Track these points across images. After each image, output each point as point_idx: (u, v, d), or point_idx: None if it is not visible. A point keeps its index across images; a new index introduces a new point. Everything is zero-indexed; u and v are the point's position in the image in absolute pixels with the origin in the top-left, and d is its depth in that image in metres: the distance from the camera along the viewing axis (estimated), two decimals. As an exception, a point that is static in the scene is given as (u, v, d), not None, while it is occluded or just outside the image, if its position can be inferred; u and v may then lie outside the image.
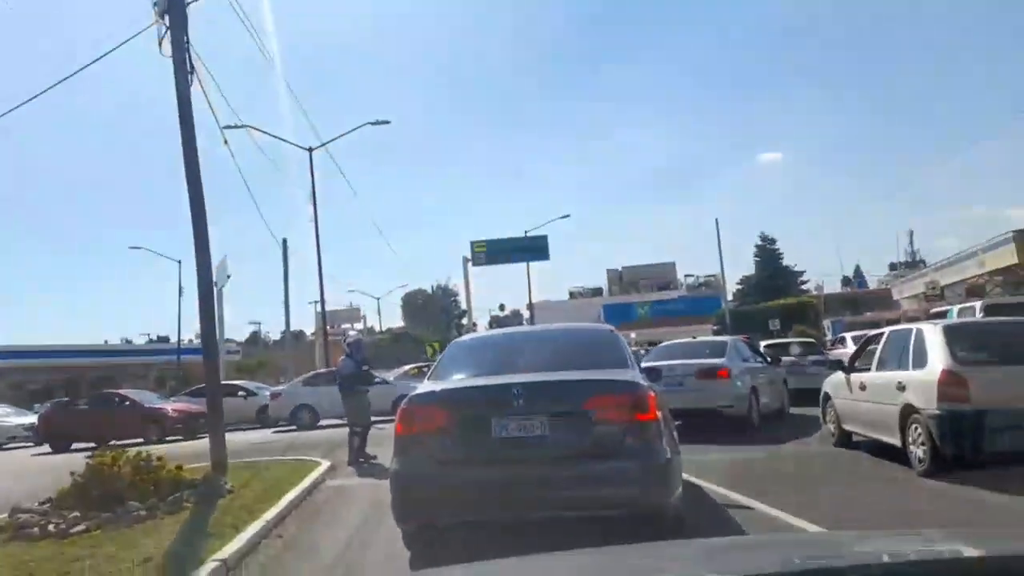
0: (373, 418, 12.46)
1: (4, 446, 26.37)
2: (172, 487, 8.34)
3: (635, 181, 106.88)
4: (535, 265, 44.73)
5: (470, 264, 42.84)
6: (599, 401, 5.49)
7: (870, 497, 7.51)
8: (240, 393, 25.30)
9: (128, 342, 67.66)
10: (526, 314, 50.72)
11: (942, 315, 22.13)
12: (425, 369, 17.24)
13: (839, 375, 10.40)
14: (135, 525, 7.17)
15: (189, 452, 12.72)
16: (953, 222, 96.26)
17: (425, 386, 6.24)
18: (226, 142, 12.61)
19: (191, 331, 56.37)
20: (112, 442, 18.74)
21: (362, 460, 11.63)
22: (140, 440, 19.80)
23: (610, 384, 5.72)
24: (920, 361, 8.14)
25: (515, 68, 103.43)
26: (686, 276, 72.47)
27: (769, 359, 15.25)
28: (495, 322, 69.45)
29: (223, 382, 23.90)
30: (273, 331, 77.02)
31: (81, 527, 7.07)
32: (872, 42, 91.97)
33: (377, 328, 77.39)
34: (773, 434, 11.91)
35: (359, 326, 67.22)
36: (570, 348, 6.93)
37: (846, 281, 75.26)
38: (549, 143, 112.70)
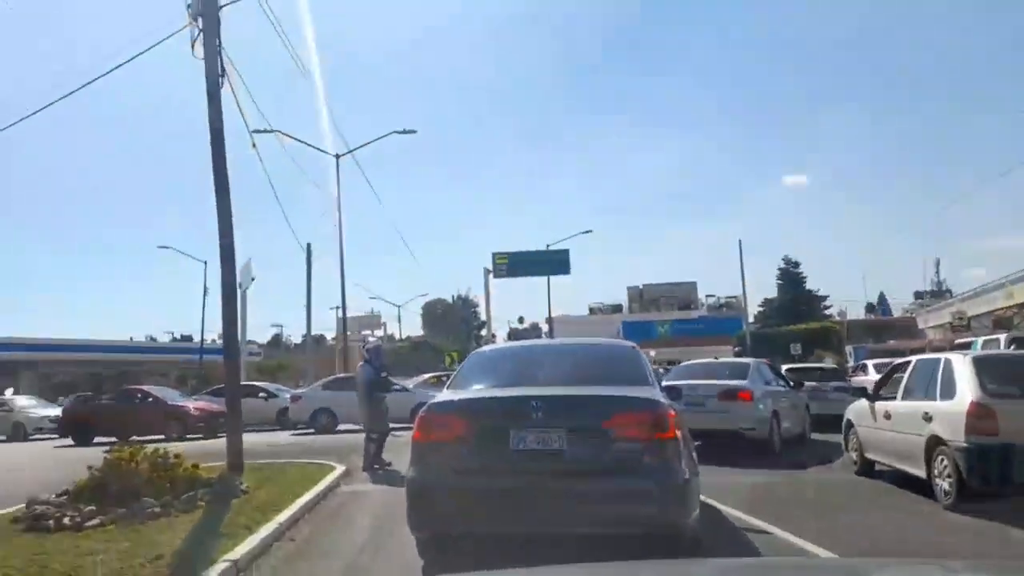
0: (391, 425, 12.45)
1: (30, 437, 26.88)
2: (188, 485, 8.36)
3: (658, 199, 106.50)
4: (555, 279, 44.71)
5: (491, 276, 42.89)
6: (619, 418, 5.42)
7: (892, 527, 7.35)
8: (261, 394, 25.45)
9: (152, 340, 68.34)
10: (545, 328, 50.60)
11: (966, 346, 21.78)
12: (444, 378, 17.25)
13: (863, 402, 10.23)
14: (149, 522, 7.19)
15: (208, 451, 12.78)
16: (981, 253, 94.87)
17: (445, 395, 6.21)
18: (254, 145, 12.77)
19: (214, 331, 56.76)
20: (133, 437, 18.90)
21: (377, 466, 11.60)
22: (161, 436, 19.94)
23: (630, 401, 5.65)
24: (948, 392, 7.98)
25: (542, 84, 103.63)
26: (707, 296, 72.21)
27: (791, 383, 15.08)
28: (514, 334, 69.35)
29: (245, 383, 24.16)
30: (295, 335, 77.66)
31: (96, 521, 7.10)
32: (905, 69, 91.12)
33: (397, 336, 77.72)
34: (794, 459, 11.72)
35: (379, 333, 67.39)
36: (591, 363, 6.88)
37: (870, 308, 74.38)
38: (573, 158, 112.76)
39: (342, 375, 25.03)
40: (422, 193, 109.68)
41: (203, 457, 10.26)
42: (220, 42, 10.70)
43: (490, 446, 5.48)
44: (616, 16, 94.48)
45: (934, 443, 7.94)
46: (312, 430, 21.33)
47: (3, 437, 26.41)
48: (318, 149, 29.40)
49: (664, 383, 7.84)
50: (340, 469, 11.09)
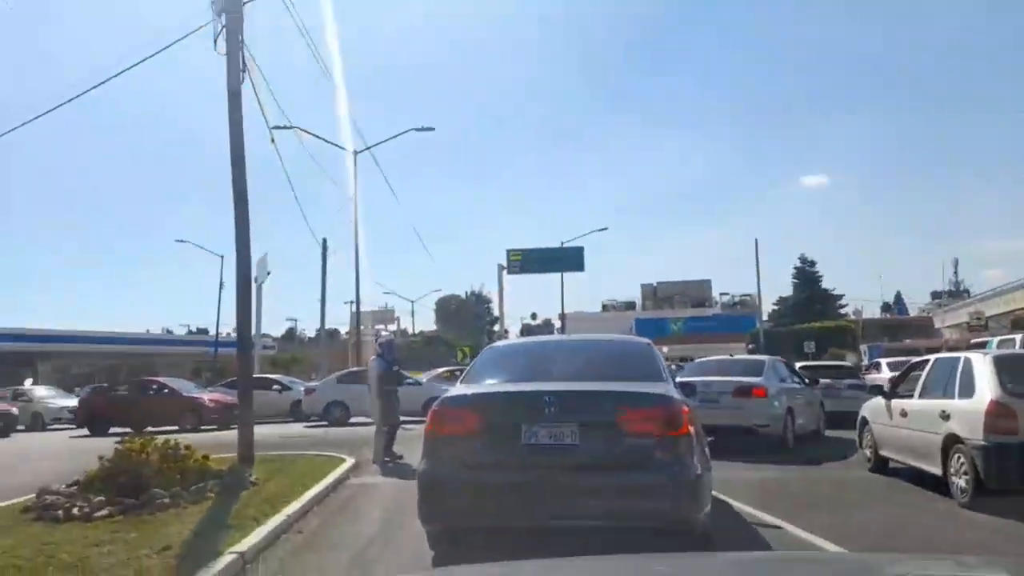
0: (403, 418, 12.45)
1: (48, 426, 27.21)
2: (198, 476, 8.38)
3: (674, 198, 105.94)
4: (569, 276, 44.72)
5: (505, 272, 42.90)
6: (632, 413, 5.38)
7: (907, 524, 7.25)
8: (275, 387, 25.59)
9: (169, 332, 68.84)
10: (558, 324, 50.57)
11: (982, 345, 21.57)
12: (457, 373, 17.23)
13: (878, 400, 10.14)
14: (158, 513, 7.20)
15: (221, 442, 12.81)
16: (1000, 253, 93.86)
17: (457, 389, 6.17)
18: (273, 141, 12.82)
19: (230, 325, 57.18)
20: (148, 428, 19.07)
21: (387, 459, 11.60)
22: (176, 428, 20.08)
23: (644, 397, 5.59)
24: (967, 390, 7.87)
25: (561, 84, 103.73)
26: (721, 294, 71.87)
27: (806, 380, 14.98)
28: (527, 330, 69.39)
29: (260, 375, 24.25)
30: (309, 328, 78.03)
31: (105, 512, 7.12)
32: (924, 70, 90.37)
33: (410, 330, 77.94)
34: (808, 456, 11.62)
35: (392, 327, 67.59)
36: (605, 358, 6.82)
37: (886, 307, 73.88)
38: (590, 156, 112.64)
39: (355, 368, 25.13)
40: (438, 191, 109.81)
41: (216, 448, 10.29)
42: (243, 38, 10.73)
43: (502, 440, 5.44)
44: (637, 17, 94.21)
45: (951, 441, 7.84)
46: (325, 423, 21.44)
47: (22, 427, 26.71)
48: (336, 145, 29.42)
49: (678, 379, 7.78)
50: (350, 462, 11.09)
